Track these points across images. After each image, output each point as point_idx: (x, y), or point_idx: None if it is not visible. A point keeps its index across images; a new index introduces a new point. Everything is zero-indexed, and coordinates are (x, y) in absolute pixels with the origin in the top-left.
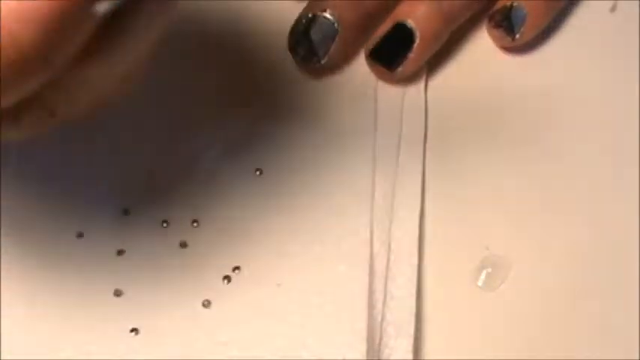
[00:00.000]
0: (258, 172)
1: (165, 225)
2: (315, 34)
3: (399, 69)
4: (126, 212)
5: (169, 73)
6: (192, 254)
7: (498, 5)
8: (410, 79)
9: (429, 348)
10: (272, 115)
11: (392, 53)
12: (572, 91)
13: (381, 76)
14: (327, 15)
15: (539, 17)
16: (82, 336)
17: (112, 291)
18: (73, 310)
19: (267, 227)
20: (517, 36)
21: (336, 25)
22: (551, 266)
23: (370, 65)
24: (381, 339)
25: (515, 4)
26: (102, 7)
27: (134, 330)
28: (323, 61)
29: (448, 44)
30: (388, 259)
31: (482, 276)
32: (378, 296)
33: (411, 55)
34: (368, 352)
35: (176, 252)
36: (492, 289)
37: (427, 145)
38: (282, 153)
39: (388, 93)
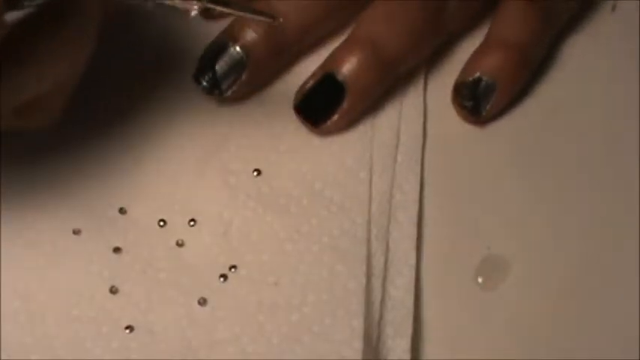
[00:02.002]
0: (256, 173)
1: (162, 224)
2: (221, 66)
3: (327, 124)
4: (122, 211)
5: (167, 71)
6: (189, 253)
7: (464, 77)
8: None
9: (428, 348)
10: (270, 115)
11: (320, 106)
12: (572, 91)
13: (309, 129)
14: (238, 49)
15: (507, 92)
16: (77, 333)
17: (108, 288)
18: (68, 307)
19: (265, 226)
20: (483, 114)
21: (244, 59)
22: (551, 266)
23: (297, 117)
24: (378, 338)
25: (484, 79)
26: (10, 17)
27: (129, 327)
28: (226, 94)
29: (448, 45)
30: (386, 259)
31: (482, 276)
32: (376, 295)
33: (340, 111)
34: (365, 350)
35: (172, 250)
36: (492, 289)
37: (426, 146)
38: (279, 153)
39: (387, 93)
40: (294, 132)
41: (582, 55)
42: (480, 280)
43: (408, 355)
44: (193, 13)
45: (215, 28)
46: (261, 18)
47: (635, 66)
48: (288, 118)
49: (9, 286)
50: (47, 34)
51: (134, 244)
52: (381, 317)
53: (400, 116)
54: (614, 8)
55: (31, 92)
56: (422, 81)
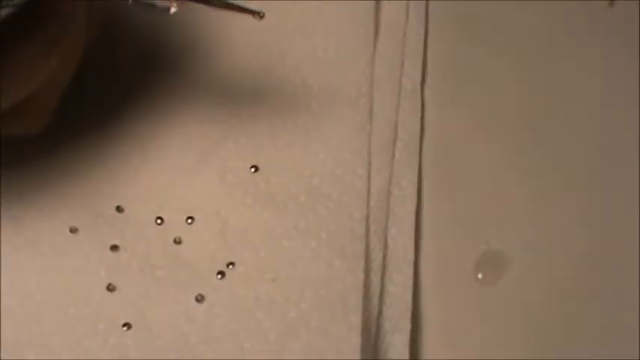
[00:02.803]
0: (253, 169)
1: (159, 222)
2: None
3: None
4: (119, 209)
5: (164, 69)
6: (186, 250)
7: None
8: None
9: (427, 344)
10: (268, 112)
11: None
12: (572, 91)
13: None
14: None
15: None
16: (74, 330)
17: (105, 286)
18: (65, 305)
19: (262, 223)
20: None
21: None
22: (552, 261)
23: None
24: (377, 334)
25: None
26: None
27: (126, 325)
28: None
29: (446, 42)
30: (384, 255)
31: (482, 271)
32: (374, 291)
33: None
34: (363, 346)
35: (170, 248)
36: (492, 284)
37: (424, 141)
38: (277, 149)
39: (384, 90)
40: (292, 128)
41: (582, 55)
42: (479, 275)
43: (406, 351)
44: (173, 10)
45: (212, 23)
46: (243, 14)
47: (635, 66)
48: (286, 114)
49: (6, 285)
50: (27, 35)
51: (131, 241)
52: (379, 313)
53: (397, 111)
54: (611, 4)
55: (14, 97)
56: (419, 75)
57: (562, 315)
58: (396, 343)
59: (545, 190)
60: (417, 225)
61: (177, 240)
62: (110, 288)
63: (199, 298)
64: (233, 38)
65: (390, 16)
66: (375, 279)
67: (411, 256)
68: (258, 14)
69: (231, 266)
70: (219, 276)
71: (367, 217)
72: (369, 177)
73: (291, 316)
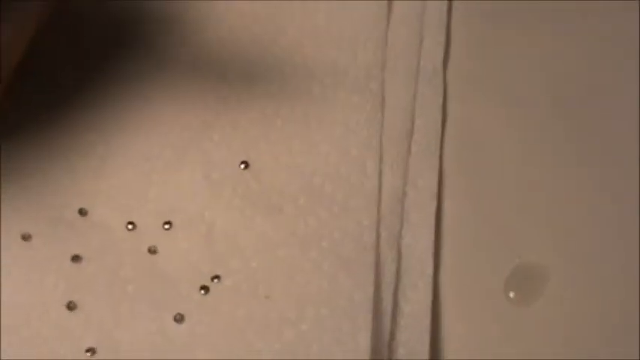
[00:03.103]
0: (243, 166)
1: (130, 227)
2: None
3: None
4: (82, 212)
5: (138, 50)
6: (164, 261)
7: None
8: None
9: None
10: (260, 97)
11: None
12: (615, 76)
13: None
14: None
15: None
16: (29, 355)
17: (65, 303)
18: (18, 326)
19: (254, 229)
20: None
21: None
22: (596, 277)
23: None
24: None
25: None
26: None
27: (90, 350)
28: None
29: (473, 20)
30: (398, 268)
31: (513, 290)
32: (386, 311)
33: None
34: None
35: (144, 258)
36: (525, 305)
37: (445, 136)
38: (271, 142)
39: (399, 73)
40: (289, 117)
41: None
42: (510, 294)
43: None
44: None
45: (190, 9)
46: None
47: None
48: (282, 100)
49: None
50: None
51: (97, 251)
52: (392, 337)
53: (414, 98)
54: None
55: None
56: (441, 56)
57: (609, 342)
58: None
59: (588, 193)
60: (437, 233)
61: (153, 249)
62: (71, 306)
63: (178, 318)
64: (221, 10)
65: None
66: (387, 296)
67: (429, 269)
68: None
69: (216, 280)
70: (202, 291)
71: (377, 223)
72: (380, 175)
73: (288, 339)
